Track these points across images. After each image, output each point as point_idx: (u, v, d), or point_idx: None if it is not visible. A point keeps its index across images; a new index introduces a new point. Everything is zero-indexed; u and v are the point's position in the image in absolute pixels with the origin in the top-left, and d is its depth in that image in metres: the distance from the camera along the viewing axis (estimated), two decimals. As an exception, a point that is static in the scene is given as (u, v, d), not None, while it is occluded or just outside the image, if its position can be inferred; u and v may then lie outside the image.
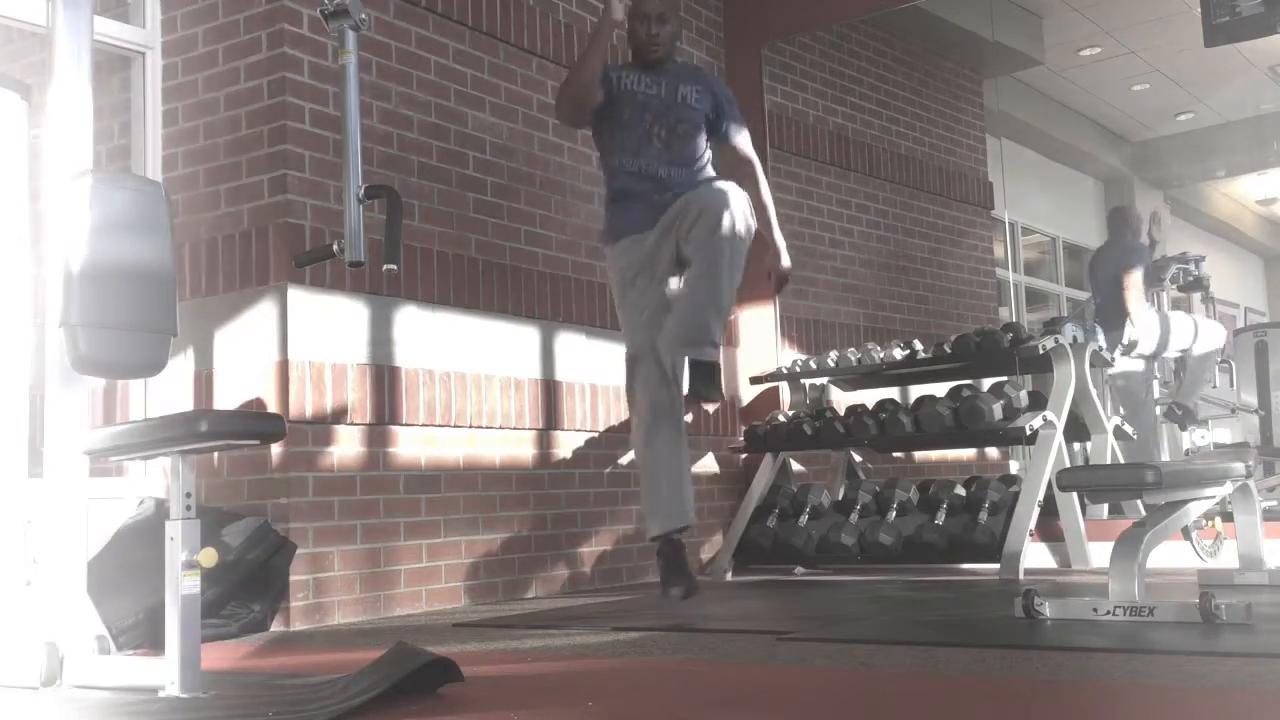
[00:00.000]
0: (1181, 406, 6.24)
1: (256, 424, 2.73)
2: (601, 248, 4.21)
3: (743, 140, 4.13)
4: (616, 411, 5.09)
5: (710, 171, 4.03)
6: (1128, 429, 5.31)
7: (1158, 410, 6.47)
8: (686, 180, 3.92)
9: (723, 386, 3.90)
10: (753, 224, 3.79)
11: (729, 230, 3.66)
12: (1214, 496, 3.55)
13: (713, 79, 4.22)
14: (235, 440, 2.55)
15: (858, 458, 5.79)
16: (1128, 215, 6.91)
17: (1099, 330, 6.22)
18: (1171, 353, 6.43)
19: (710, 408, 4.14)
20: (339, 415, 4.01)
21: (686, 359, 3.76)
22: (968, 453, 6.86)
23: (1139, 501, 4.23)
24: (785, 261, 4.26)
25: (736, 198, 3.75)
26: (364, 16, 3.07)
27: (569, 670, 2.82)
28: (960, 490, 5.02)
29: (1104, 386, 6.03)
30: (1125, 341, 6.28)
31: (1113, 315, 6.39)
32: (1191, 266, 6.62)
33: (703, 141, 3.99)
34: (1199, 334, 6.43)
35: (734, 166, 4.12)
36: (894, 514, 5.03)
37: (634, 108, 3.94)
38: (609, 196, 4.09)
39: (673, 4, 4.10)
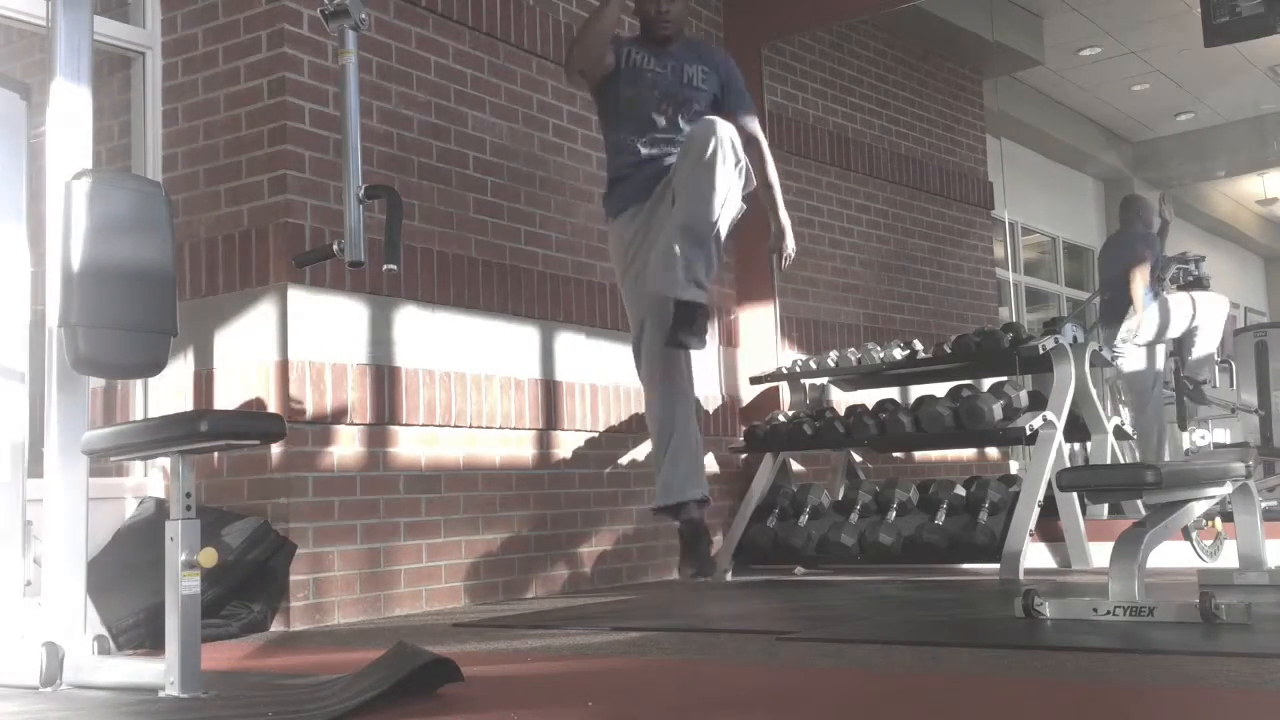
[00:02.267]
0: (1193, 380, 6.25)
1: (256, 424, 2.73)
2: (605, 225, 4.15)
3: (749, 119, 4.06)
4: (616, 411, 5.09)
5: None
6: (1128, 429, 5.31)
7: (1167, 392, 6.47)
8: None
9: (707, 333, 3.65)
10: (744, 159, 3.63)
11: (714, 156, 3.50)
12: (1214, 496, 3.55)
13: (720, 56, 4.15)
14: (235, 440, 2.55)
15: (858, 458, 5.79)
16: (1138, 205, 6.89)
17: (1100, 328, 6.26)
18: (1174, 333, 6.43)
19: (692, 352, 3.79)
20: (339, 415, 4.01)
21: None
22: (968, 453, 6.86)
23: (1139, 501, 4.24)
24: (790, 241, 4.18)
25: (724, 126, 3.58)
26: (364, 16, 3.07)
27: (569, 670, 2.82)
28: (960, 490, 5.02)
29: (1104, 387, 6.05)
30: (1123, 330, 6.29)
31: (1118, 310, 6.39)
32: (1191, 266, 6.63)
33: None
34: (1198, 309, 6.44)
35: (743, 144, 4.06)
36: (894, 514, 5.02)
37: (641, 84, 3.91)
38: (610, 173, 4.04)
39: None
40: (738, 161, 3.59)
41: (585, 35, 3.92)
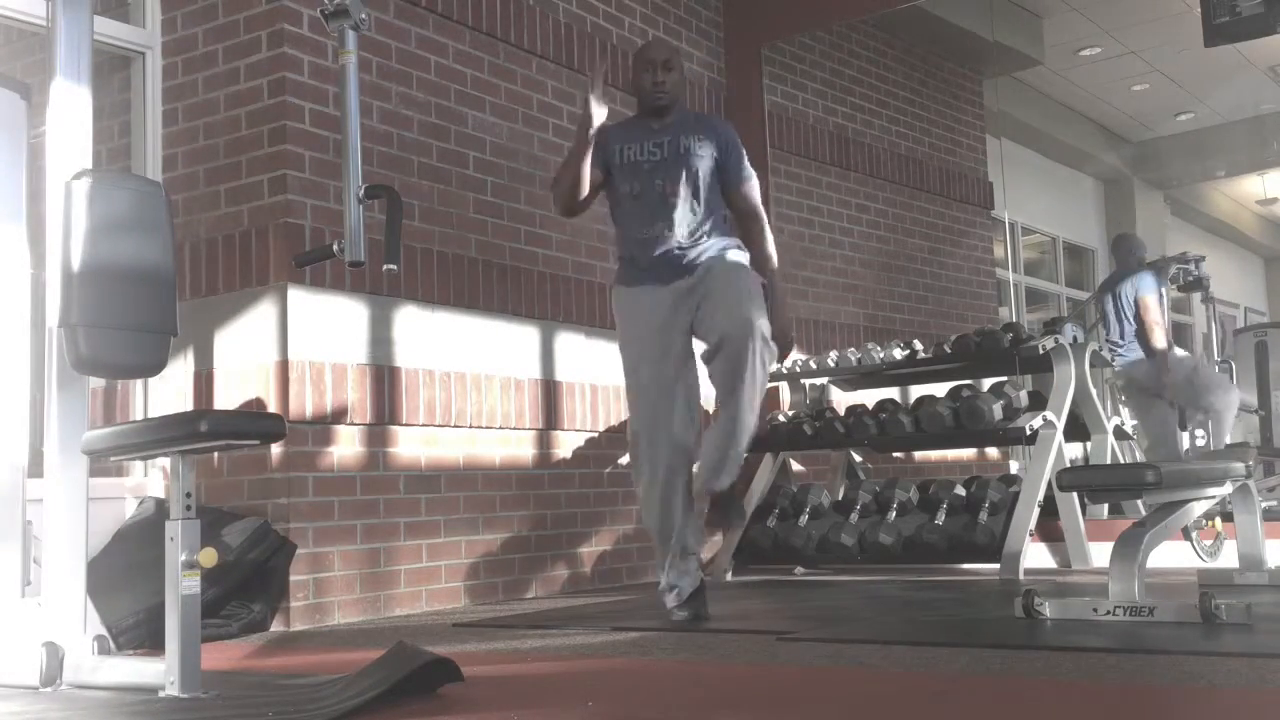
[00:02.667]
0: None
1: (256, 424, 2.73)
2: (613, 291, 4.08)
3: (749, 189, 3.94)
4: (616, 411, 5.09)
5: (723, 236, 3.89)
6: (1128, 429, 5.31)
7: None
8: (700, 233, 3.81)
9: (743, 507, 4.00)
10: (774, 346, 3.73)
11: (753, 365, 3.60)
12: (1214, 496, 3.55)
13: (718, 124, 4.02)
14: (235, 440, 2.55)
15: (858, 458, 5.79)
16: (1131, 243, 6.84)
17: (1139, 350, 6.21)
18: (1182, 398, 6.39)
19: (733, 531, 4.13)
20: (339, 415, 4.01)
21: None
22: (968, 453, 6.86)
23: (1139, 501, 4.24)
24: (787, 327, 4.07)
25: (758, 330, 3.63)
26: (364, 16, 3.06)
27: (569, 670, 2.82)
28: (960, 490, 5.02)
29: (1104, 387, 6.04)
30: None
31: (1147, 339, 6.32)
32: (1191, 266, 6.62)
33: (714, 192, 3.89)
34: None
35: (740, 218, 4.01)
36: (894, 514, 5.02)
37: (640, 177, 3.82)
38: (624, 254, 4.01)
39: (678, 52, 4.06)
40: (772, 356, 3.72)
41: (560, 185, 3.87)
